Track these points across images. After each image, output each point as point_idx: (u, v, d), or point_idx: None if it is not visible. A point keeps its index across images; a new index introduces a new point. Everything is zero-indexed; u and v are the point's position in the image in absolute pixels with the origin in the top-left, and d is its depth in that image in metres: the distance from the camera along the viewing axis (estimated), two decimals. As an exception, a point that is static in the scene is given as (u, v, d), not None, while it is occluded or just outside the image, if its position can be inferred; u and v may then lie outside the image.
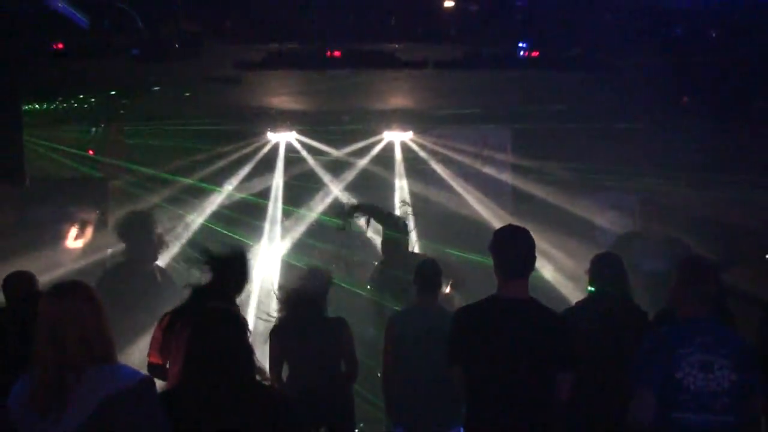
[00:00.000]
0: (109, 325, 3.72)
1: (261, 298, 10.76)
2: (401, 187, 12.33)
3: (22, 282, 6.60)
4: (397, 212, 10.20)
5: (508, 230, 5.27)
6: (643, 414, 4.73)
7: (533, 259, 5.11)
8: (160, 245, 9.68)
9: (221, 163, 12.24)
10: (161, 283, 9.28)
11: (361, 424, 8.25)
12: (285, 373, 6.77)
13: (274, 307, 7.06)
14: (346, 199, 11.63)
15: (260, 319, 7.35)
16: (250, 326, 4.90)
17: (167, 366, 5.97)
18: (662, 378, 4.72)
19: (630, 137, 10.97)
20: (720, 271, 5.88)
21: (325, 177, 12.45)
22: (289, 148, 12.58)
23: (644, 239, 9.31)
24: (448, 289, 8.76)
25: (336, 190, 12.29)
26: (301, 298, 6.73)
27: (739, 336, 4.95)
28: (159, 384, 4.28)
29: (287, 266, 11.55)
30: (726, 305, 5.99)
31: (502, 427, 5.00)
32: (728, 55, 8.61)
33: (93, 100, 10.63)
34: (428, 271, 6.85)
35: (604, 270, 6.41)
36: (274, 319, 6.86)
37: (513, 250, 5.08)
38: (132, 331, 8.08)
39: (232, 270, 5.74)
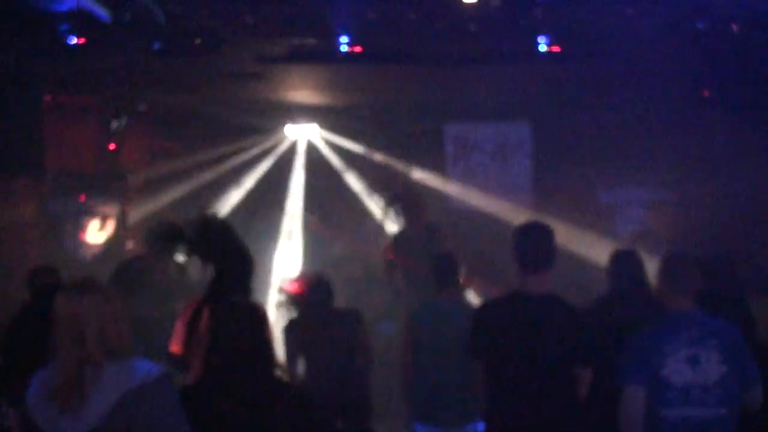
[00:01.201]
0: (125, 320, 3.74)
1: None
2: (420, 180, 12.32)
3: (46, 277, 6.65)
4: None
5: (528, 225, 5.27)
6: (635, 411, 4.70)
7: (553, 253, 5.10)
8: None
9: (242, 158, 12.31)
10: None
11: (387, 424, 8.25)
12: (301, 368, 6.75)
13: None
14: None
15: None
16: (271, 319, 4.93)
17: (187, 357, 5.97)
18: (650, 376, 4.70)
19: (651, 131, 10.93)
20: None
21: (345, 172, 12.48)
22: (310, 143, 12.64)
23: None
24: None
25: (356, 186, 12.33)
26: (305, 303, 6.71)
27: (732, 327, 4.88)
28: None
29: (306, 261, 11.61)
30: (746, 304, 5.93)
31: (523, 422, 5.00)
32: (750, 48, 8.57)
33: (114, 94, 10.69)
34: (446, 265, 6.83)
35: (623, 267, 6.37)
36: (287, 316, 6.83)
37: (532, 245, 5.08)
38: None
39: (232, 262, 5.75)
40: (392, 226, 9.72)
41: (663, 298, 4.99)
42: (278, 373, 4.21)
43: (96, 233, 10.94)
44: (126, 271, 8.45)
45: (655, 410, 4.69)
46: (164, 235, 8.52)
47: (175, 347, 5.99)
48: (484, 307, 5.29)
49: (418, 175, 12.32)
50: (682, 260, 5.09)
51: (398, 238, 9.25)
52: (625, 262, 6.39)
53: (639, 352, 4.79)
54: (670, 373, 4.67)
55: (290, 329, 6.69)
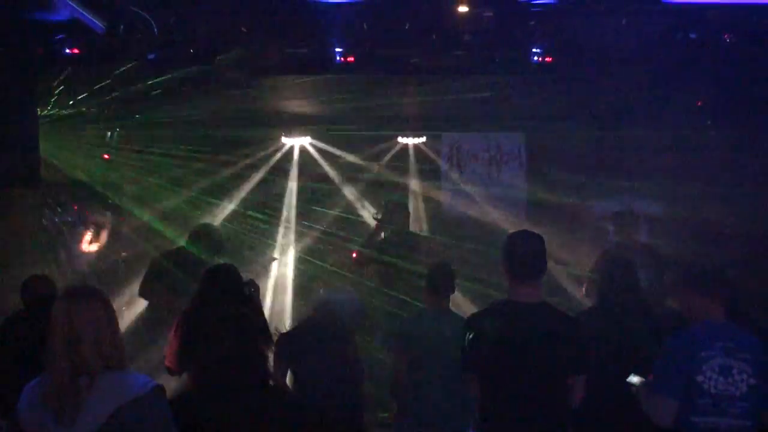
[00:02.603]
0: (120, 331, 3.74)
1: (274, 307, 10.84)
2: (414, 191, 12.35)
3: (40, 286, 6.64)
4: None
5: (518, 234, 5.27)
6: (663, 419, 4.83)
7: (543, 262, 5.10)
8: None
9: (237, 168, 12.32)
10: None
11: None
12: (292, 382, 6.69)
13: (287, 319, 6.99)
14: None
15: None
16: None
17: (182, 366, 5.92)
18: (683, 382, 4.75)
19: (644, 142, 10.96)
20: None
21: (339, 181, 12.49)
22: (303, 153, 12.66)
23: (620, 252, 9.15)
24: None
25: (350, 195, 12.34)
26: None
27: (761, 340, 4.95)
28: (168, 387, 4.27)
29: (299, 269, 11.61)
30: (741, 309, 5.94)
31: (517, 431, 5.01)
32: (742, 59, 8.60)
33: (108, 104, 10.68)
34: (440, 275, 6.83)
35: (614, 275, 6.36)
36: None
37: (523, 254, 5.07)
38: None
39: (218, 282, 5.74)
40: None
41: (693, 310, 5.03)
42: (271, 381, 4.22)
43: (89, 243, 10.94)
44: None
45: (686, 415, 4.77)
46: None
47: (169, 361, 5.95)
48: (475, 318, 5.27)
49: (413, 183, 12.36)
50: (709, 271, 5.16)
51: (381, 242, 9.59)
52: (613, 270, 6.39)
53: (674, 357, 4.86)
54: (704, 380, 4.73)
55: (280, 344, 6.64)
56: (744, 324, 5.14)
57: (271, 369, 4.31)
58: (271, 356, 5.57)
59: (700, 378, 4.75)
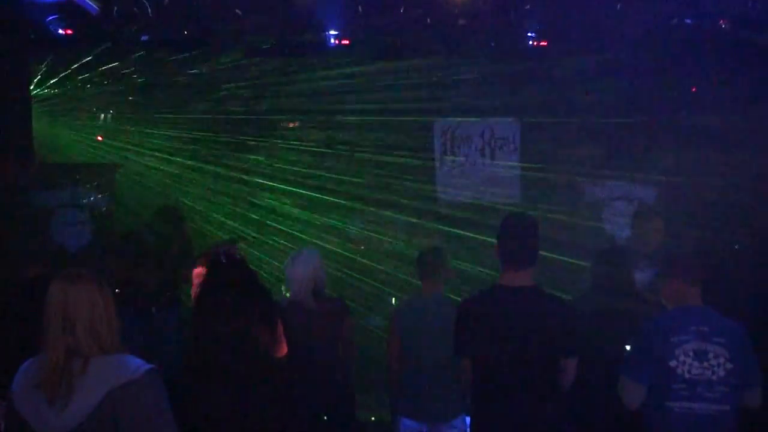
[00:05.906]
0: (115, 314, 3.73)
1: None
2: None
3: (31, 267, 6.62)
4: None
5: (512, 219, 5.23)
6: (631, 403, 4.89)
7: (533, 249, 5.07)
8: None
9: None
10: None
11: (372, 418, 8.26)
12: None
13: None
14: None
15: None
16: None
17: None
18: (653, 368, 4.76)
19: (639, 127, 10.95)
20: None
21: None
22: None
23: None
24: None
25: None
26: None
27: (739, 324, 4.94)
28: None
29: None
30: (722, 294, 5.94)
31: (510, 415, 5.00)
32: (737, 45, 8.60)
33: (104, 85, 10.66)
34: (431, 259, 6.80)
35: (607, 263, 6.36)
36: None
37: (516, 239, 5.06)
38: None
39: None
40: None
41: (669, 295, 5.05)
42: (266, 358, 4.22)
43: (85, 225, 10.89)
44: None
45: (660, 400, 4.78)
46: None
47: None
48: (468, 302, 5.26)
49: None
50: (691, 255, 5.17)
51: None
52: (607, 258, 6.38)
53: (645, 343, 4.86)
54: (677, 365, 4.73)
55: None
56: (724, 308, 5.14)
57: (269, 352, 4.29)
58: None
59: (672, 363, 4.74)
